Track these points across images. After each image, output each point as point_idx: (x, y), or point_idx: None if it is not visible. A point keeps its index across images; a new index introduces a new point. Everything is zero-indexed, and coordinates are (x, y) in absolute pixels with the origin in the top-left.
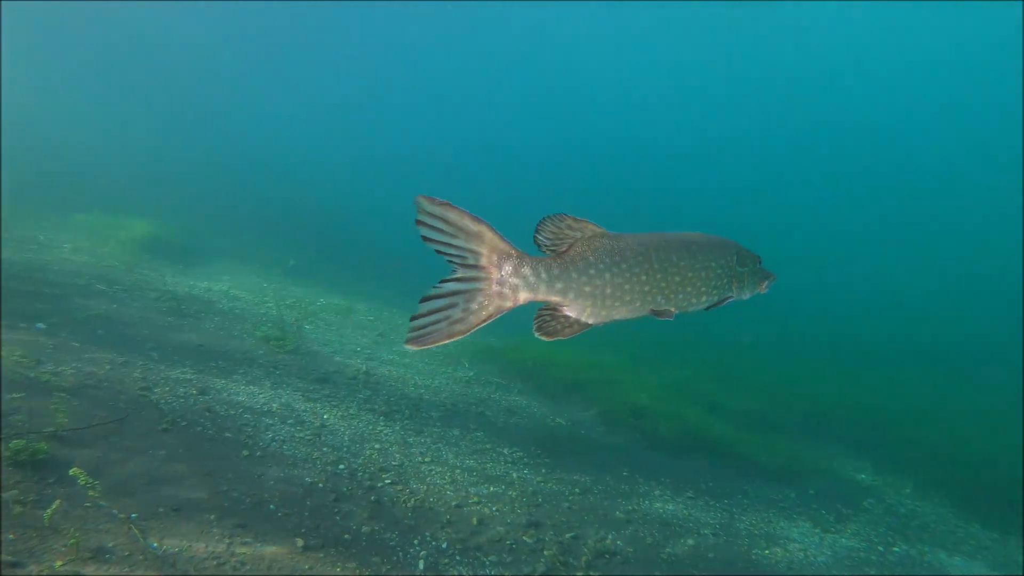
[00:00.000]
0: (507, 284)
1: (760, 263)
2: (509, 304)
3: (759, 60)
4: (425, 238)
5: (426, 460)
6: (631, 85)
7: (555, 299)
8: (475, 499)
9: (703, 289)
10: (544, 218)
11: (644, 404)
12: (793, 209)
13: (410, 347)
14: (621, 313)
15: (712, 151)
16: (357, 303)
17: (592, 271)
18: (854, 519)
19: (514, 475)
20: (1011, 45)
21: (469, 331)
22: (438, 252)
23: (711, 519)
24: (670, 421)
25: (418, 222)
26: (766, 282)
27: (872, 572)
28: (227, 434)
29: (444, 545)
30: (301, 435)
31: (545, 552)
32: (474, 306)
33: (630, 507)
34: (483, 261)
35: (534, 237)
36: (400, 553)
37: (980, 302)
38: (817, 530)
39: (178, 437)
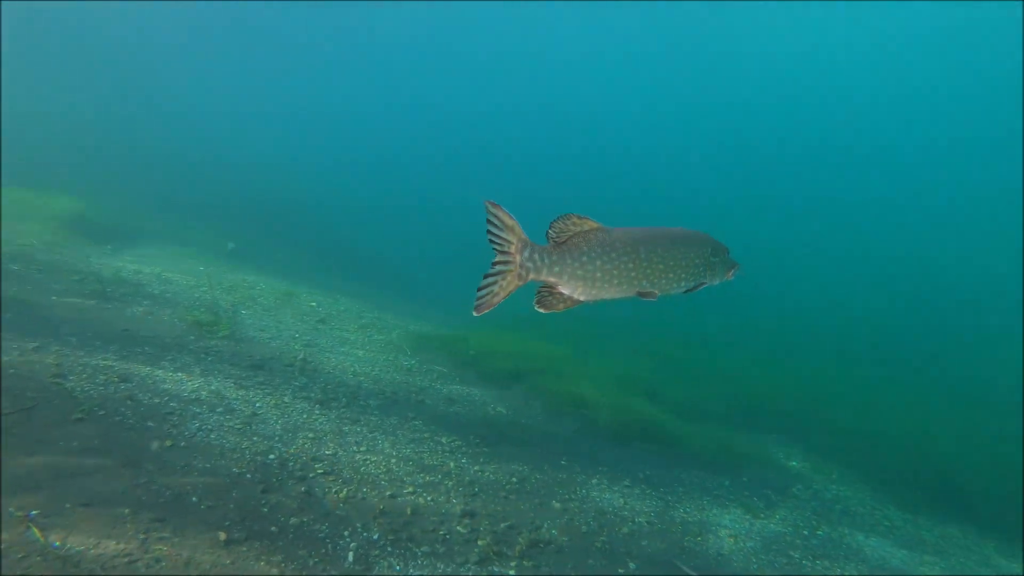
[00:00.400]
0: (524, 267)
1: (728, 254)
2: (522, 282)
3: (758, 59)
4: (488, 232)
5: (361, 449)
6: (609, 85)
7: (552, 280)
8: (410, 489)
9: (682, 276)
10: (556, 217)
11: (586, 393)
12: (777, 206)
13: (476, 314)
14: (609, 293)
15: (691, 149)
16: (299, 288)
17: (584, 259)
18: (783, 505)
19: (451, 464)
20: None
21: (500, 302)
22: (490, 240)
23: (647, 507)
24: (611, 410)
25: (487, 222)
26: (733, 270)
27: (796, 555)
28: (149, 423)
29: (376, 536)
30: (231, 424)
31: (479, 542)
32: (504, 283)
33: (567, 496)
34: (512, 249)
35: (547, 232)
36: (329, 545)
37: (930, 300)
38: (748, 516)
39: (94, 427)
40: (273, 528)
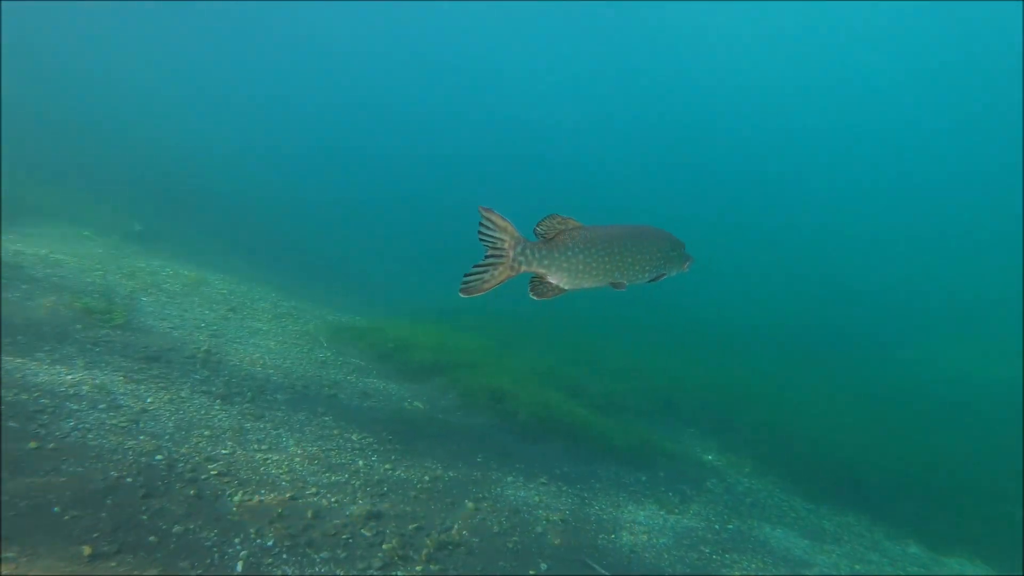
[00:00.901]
0: (517, 260)
1: (684, 248)
2: (514, 273)
3: (741, 56)
4: (479, 232)
5: (263, 448)
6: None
7: (541, 271)
8: (313, 490)
9: (647, 268)
10: (543, 217)
11: (506, 388)
12: (715, 203)
13: (463, 295)
14: (588, 283)
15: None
16: (211, 275)
17: (569, 253)
18: (697, 499)
19: (360, 463)
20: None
21: (490, 289)
22: (482, 240)
23: (562, 505)
24: (530, 405)
25: (480, 224)
26: (688, 263)
27: (707, 550)
28: (11, 423)
29: (270, 543)
30: (114, 422)
31: (384, 546)
32: (496, 273)
33: (481, 495)
34: (506, 246)
35: (534, 229)
36: (216, 554)
37: (851, 302)
38: (662, 512)
39: None
40: (152, 538)
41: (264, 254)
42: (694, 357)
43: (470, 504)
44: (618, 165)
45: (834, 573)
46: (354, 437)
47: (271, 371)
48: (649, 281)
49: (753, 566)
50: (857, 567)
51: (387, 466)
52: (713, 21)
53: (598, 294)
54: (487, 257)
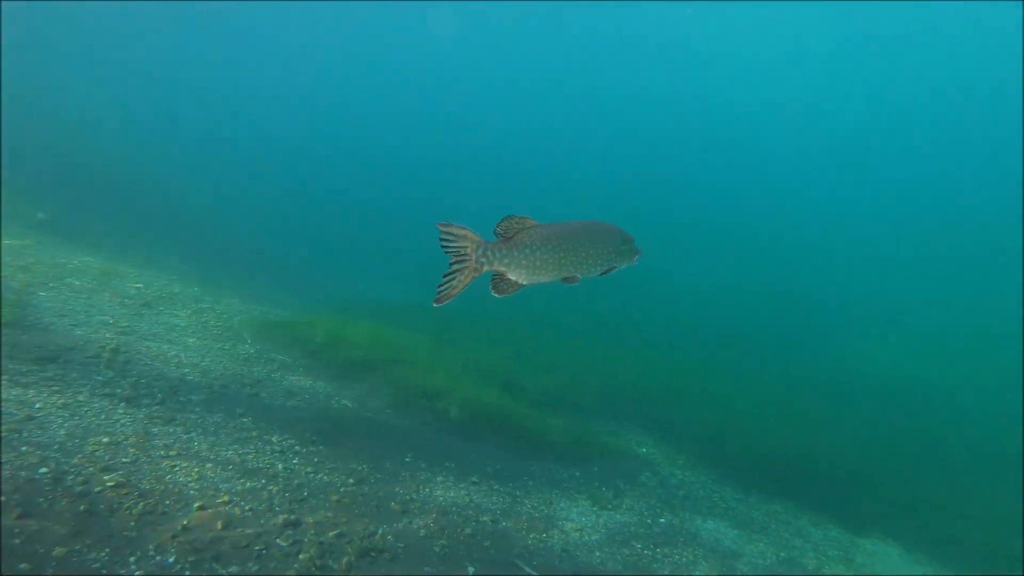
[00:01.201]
0: (479, 262)
1: (634, 243)
2: (477, 274)
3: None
4: (442, 244)
5: (171, 454)
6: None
7: (502, 269)
8: (225, 498)
9: (599, 261)
10: (502, 218)
11: (439, 384)
12: (666, 198)
13: (436, 305)
14: (544, 278)
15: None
16: (126, 268)
17: (527, 251)
18: (630, 493)
19: (280, 466)
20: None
21: (459, 292)
22: (445, 251)
23: (493, 504)
24: (464, 402)
25: (440, 239)
26: (636, 256)
27: (639, 545)
28: None
29: (171, 559)
30: None
31: (301, 556)
32: (463, 277)
33: (408, 496)
34: (467, 252)
35: (494, 230)
36: None
37: (797, 299)
38: (595, 508)
39: None
40: (24, 565)
41: (189, 246)
42: (633, 351)
43: (396, 507)
44: (571, 166)
45: (761, 562)
46: (275, 439)
47: (187, 370)
48: (601, 274)
49: (684, 560)
50: (782, 554)
51: (309, 469)
52: (666, 19)
53: (542, 289)
54: (452, 264)
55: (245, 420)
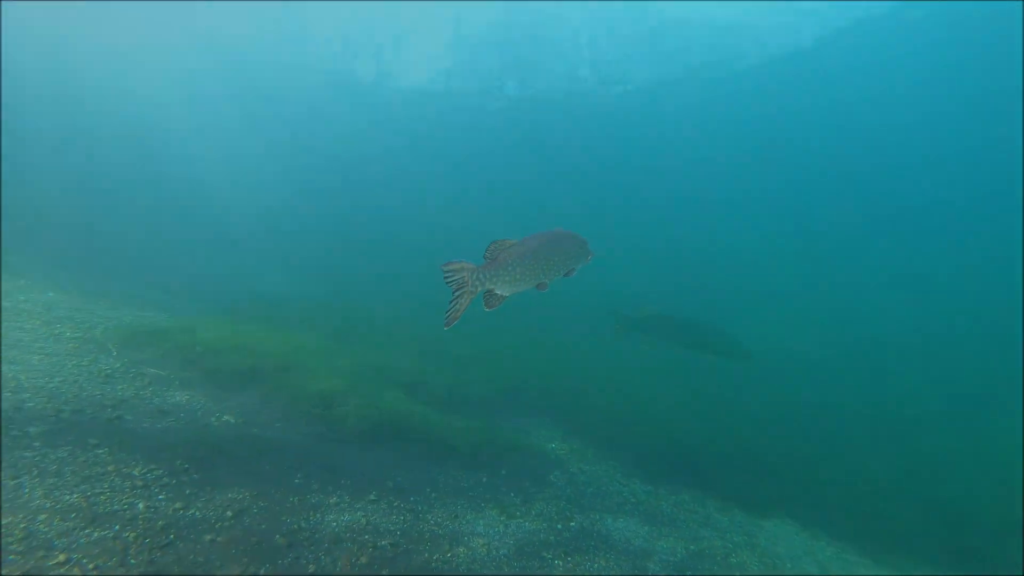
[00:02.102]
0: (474, 285)
1: (588, 244)
2: (475, 295)
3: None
4: (445, 280)
5: None
6: None
7: (491, 287)
8: (60, 558)
9: (562, 266)
10: (489, 244)
11: (335, 390)
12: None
13: (447, 327)
14: (523, 287)
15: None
16: None
17: (509, 268)
18: (539, 497)
19: (140, 506)
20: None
21: (462, 313)
22: (448, 284)
23: (393, 524)
24: (362, 409)
25: (445, 277)
26: (590, 256)
27: (548, 555)
28: None
29: None
30: None
31: None
32: (464, 301)
33: (296, 526)
34: (465, 279)
35: (484, 255)
36: None
37: (703, 285)
38: (503, 518)
39: None
40: None
41: (41, 243)
42: (540, 342)
43: (281, 540)
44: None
45: (672, 559)
46: (136, 472)
47: (27, 395)
48: (564, 275)
49: (596, 566)
50: (691, 547)
51: (178, 504)
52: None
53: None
54: (455, 293)
55: (100, 452)
